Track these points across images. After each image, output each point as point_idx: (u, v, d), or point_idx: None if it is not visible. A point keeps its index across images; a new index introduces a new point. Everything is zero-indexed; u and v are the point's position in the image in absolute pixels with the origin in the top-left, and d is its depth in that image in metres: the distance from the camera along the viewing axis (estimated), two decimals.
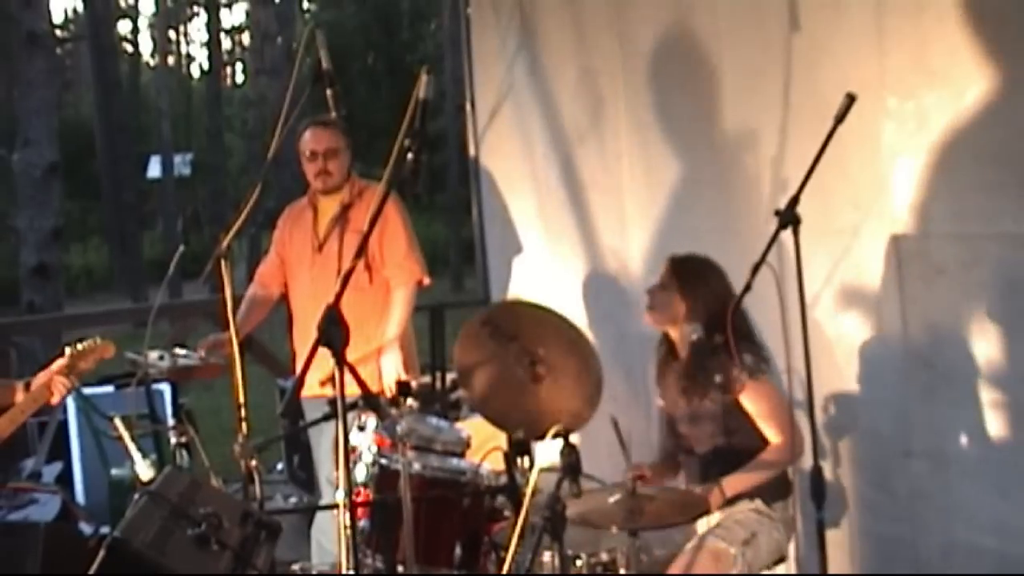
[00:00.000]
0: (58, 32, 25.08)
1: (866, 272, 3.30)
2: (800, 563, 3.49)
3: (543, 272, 5.06)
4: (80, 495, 5.09)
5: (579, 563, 2.99)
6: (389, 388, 3.72)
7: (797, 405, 3.01)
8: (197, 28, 31.78)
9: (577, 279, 4.76)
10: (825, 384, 3.32)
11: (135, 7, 29.66)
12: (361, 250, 2.34)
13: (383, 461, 3.05)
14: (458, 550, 3.00)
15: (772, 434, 3.05)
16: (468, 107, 5.52)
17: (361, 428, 3.18)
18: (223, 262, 3.38)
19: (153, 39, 30.16)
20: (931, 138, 3.06)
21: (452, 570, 2.99)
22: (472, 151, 5.55)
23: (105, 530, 4.24)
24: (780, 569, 3.16)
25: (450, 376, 4.91)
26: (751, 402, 3.06)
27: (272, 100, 16.46)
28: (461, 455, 3.22)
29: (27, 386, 3.21)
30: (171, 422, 3.68)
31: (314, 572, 3.38)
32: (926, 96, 3.06)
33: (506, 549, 2.62)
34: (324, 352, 2.21)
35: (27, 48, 8.21)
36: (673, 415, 3.27)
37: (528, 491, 2.51)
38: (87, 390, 4.71)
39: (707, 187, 3.95)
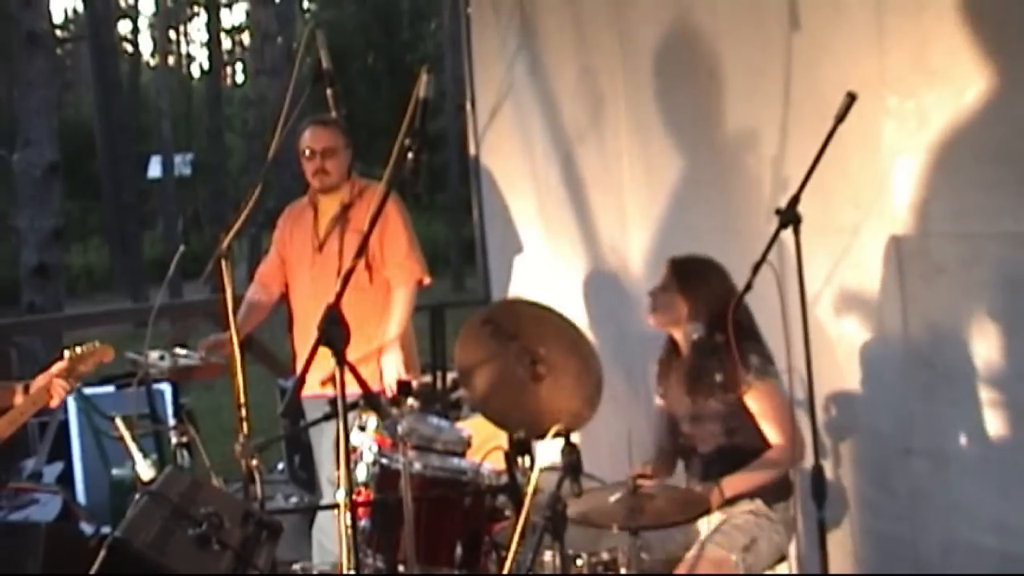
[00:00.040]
0: (58, 32, 25.11)
1: (866, 271, 3.30)
2: (801, 562, 3.48)
3: (544, 271, 5.06)
4: (81, 495, 5.09)
5: (580, 562, 2.98)
6: (390, 388, 3.72)
7: (798, 404, 3.01)
8: (197, 28, 31.82)
9: (577, 278, 4.76)
10: (826, 383, 3.32)
11: (135, 7, 29.67)
12: (361, 250, 2.34)
13: (384, 461, 3.05)
14: (459, 550, 2.99)
15: (773, 435, 3.05)
16: (468, 106, 5.52)
17: (362, 428, 3.18)
18: (223, 262, 3.38)
19: (153, 39, 30.23)
20: (931, 137, 3.05)
21: (453, 570, 2.99)
22: (472, 150, 5.55)
23: (106, 530, 4.24)
24: (781, 569, 3.16)
25: (451, 376, 4.91)
26: (755, 402, 3.06)
27: (272, 100, 16.44)
28: (462, 455, 3.23)
29: (26, 388, 3.19)
30: (172, 422, 3.69)
31: (315, 572, 3.37)
32: (926, 95, 3.06)
33: (507, 549, 2.62)
34: (325, 351, 2.21)
35: (27, 48, 8.19)
36: (676, 414, 3.27)
37: (529, 490, 2.52)
38: (88, 390, 4.73)
39: (707, 186, 3.95)
